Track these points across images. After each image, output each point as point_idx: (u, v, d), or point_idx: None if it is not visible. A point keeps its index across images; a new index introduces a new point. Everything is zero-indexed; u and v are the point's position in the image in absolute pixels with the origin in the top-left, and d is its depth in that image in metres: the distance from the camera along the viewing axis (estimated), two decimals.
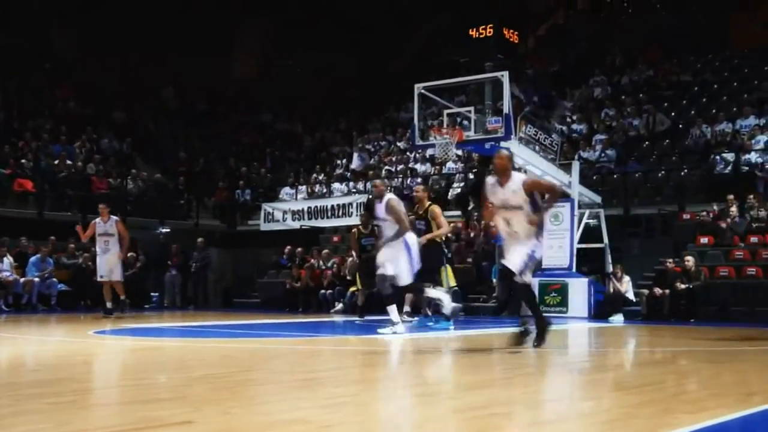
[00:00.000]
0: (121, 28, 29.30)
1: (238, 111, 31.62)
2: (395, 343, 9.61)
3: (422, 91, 16.10)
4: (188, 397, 5.07)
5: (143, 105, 29.34)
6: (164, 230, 24.10)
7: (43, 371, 6.74)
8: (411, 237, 10.53)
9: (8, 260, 18.64)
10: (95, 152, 24.66)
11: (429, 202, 12.33)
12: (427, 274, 11.18)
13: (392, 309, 10.53)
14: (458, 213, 20.68)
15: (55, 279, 19.20)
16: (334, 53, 32.16)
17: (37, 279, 18.74)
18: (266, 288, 21.06)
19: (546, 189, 8.73)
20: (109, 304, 15.33)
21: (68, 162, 22.81)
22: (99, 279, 15.53)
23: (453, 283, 13.03)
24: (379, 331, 10.42)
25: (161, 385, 5.90)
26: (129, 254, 21.06)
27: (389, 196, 10.87)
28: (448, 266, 12.47)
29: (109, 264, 15.28)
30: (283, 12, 31.80)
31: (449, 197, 21.49)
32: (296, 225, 23.11)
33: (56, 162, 22.54)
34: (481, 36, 26.96)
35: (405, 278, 10.32)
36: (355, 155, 25.39)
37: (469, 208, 20.65)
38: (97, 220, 15.45)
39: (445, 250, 12.40)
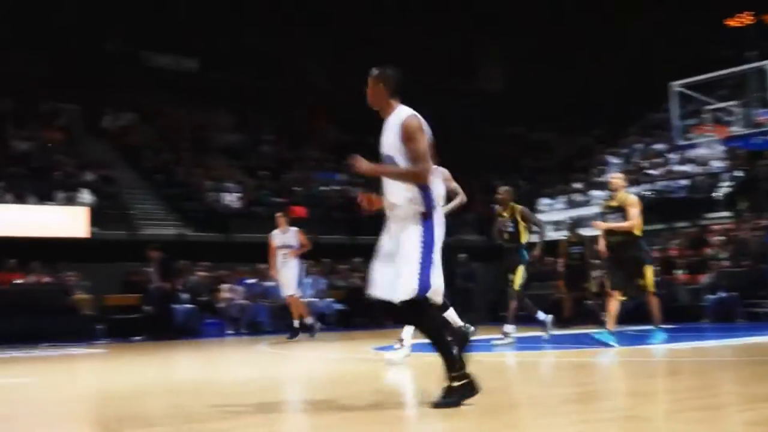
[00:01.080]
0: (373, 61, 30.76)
1: (491, 125, 32.07)
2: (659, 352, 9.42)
3: (679, 88, 15.69)
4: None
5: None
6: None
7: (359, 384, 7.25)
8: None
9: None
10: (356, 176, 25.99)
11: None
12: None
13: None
14: (728, 214, 19.82)
15: (331, 299, 20.39)
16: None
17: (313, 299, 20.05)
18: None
19: None
20: (296, 323, 14.19)
21: (336, 188, 24.27)
22: (286, 296, 14.34)
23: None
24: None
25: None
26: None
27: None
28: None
29: (286, 278, 13.99)
30: (525, 29, 31.93)
31: (714, 197, 20.60)
32: (556, 235, 23.05)
33: (323, 188, 24.08)
34: (740, 25, 25.67)
35: None
36: (611, 161, 25.03)
37: (738, 208, 19.72)
38: (276, 231, 14.16)
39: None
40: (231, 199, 23.02)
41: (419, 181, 5.26)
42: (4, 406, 6.84)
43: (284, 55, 31.71)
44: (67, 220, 19.91)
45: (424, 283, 5.13)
